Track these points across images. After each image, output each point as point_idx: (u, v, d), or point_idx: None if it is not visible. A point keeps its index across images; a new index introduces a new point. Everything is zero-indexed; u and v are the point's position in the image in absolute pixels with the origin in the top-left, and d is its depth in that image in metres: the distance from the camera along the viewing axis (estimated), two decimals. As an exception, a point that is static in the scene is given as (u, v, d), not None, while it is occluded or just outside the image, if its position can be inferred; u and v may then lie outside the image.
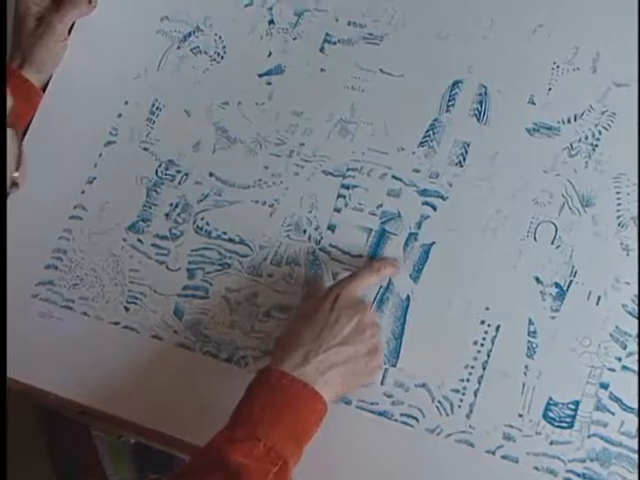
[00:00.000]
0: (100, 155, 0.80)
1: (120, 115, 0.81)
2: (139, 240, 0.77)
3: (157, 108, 0.80)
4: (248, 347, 0.72)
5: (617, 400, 0.66)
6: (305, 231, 0.74)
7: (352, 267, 0.72)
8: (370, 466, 0.67)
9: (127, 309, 0.76)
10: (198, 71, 0.81)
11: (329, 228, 0.74)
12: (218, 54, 0.81)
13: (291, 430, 0.61)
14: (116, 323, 0.75)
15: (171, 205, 0.77)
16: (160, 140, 0.79)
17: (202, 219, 0.76)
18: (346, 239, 0.73)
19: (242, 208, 0.76)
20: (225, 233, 0.76)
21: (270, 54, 0.80)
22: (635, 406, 0.66)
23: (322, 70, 0.78)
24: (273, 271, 0.74)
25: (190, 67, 0.81)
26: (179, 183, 0.78)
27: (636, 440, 0.65)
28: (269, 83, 0.79)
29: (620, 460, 0.65)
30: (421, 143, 0.74)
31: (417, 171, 0.74)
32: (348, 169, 0.75)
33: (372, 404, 0.69)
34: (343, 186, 0.75)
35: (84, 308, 0.76)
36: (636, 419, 0.65)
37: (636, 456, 0.65)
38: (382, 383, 0.69)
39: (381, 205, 0.73)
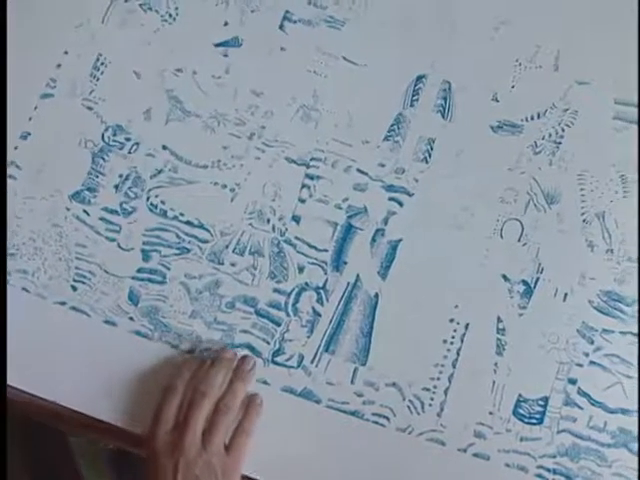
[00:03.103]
0: (36, 108, 0.76)
1: (59, 65, 0.76)
2: (85, 212, 0.73)
3: (102, 64, 0.76)
4: (211, 340, 0.70)
5: (585, 395, 0.67)
6: (269, 220, 0.72)
7: (318, 261, 0.71)
8: (341, 466, 0.67)
9: (74, 288, 0.72)
10: (148, 30, 0.77)
11: (294, 219, 0.72)
12: (170, 15, 0.78)
13: None
14: (62, 303, 0.72)
15: (121, 176, 0.74)
16: (106, 101, 0.75)
17: (156, 196, 0.73)
18: (311, 232, 0.72)
19: (200, 189, 0.73)
20: (182, 215, 0.73)
21: (226, 23, 0.77)
22: (603, 400, 0.67)
23: (282, 49, 0.76)
24: (236, 260, 0.72)
25: (138, 24, 0.77)
26: (129, 152, 0.74)
27: (605, 434, 0.66)
28: (226, 55, 0.76)
29: (589, 454, 0.66)
30: (386, 137, 0.74)
31: (382, 165, 0.73)
32: (312, 158, 0.73)
33: (343, 403, 0.68)
34: (307, 176, 0.73)
35: (24, 283, 0.72)
36: (604, 413, 0.66)
37: (605, 450, 0.66)
38: (352, 382, 0.68)
39: (347, 199, 0.72)
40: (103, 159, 0.74)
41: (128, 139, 0.75)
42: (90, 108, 0.76)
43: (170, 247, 0.72)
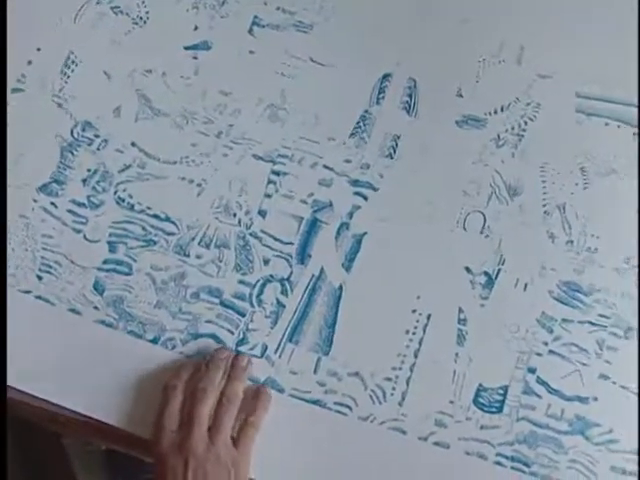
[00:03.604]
0: (7, 103, 0.77)
1: (30, 62, 0.78)
2: (53, 204, 0.74)
3: (72, 62, 0.78)
4: (175, 329, 0.71)
5: (544, 384, 0.68)
6: (235, 215, 0.74)
7: (283, 254, 0.72)
8: (303, 454, 0.68)
9: (40, 278, 0.73)
10: (119, 32, 0.79)
11: (260, 213, 0.73)
12: (141, 18, 0.79)
13: None
14: (27, 292, 0.73)
15: (89, 171, 0.75)
16: (76, 98, 0.77)
17: (124, 190, 0.74)
18: (277, 226, 0.73)
19: (168, 184, 0.74)
20: (150, 208, 0.74)
21: (196, 28, 0.78)
22: (560, 389, 0.68)
23: (251, 52, 0.78)
24: (202, 253, 0.73)
25: (110, 26, 0.79)
26: (97, 149, 0.75)
27: (562, 422, 0.67)
28: (195, 57, 0.77)
29: (546, 442, 0.67)
30: (352, 134, 0.75)
31: (348, 161, 0.74)
32: (279, 155, 0.75)
33: (305, 392, 0.69)
34: (273, 172, 0.74)
35: (-12, 271, 0.72)
36: (561, 401, 0.67)
37: (562, 437, 0.67)
38: (315, 372, 0.70)
39: (312, 194, 0.74)
40: (72, 153, 0.76)
41: (97, 135, 0.76)
42: (60, 105, 0.77)
43: (137, 239, 0.73)
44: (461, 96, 0.76)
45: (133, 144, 0.76)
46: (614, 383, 0.67)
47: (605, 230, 0.71)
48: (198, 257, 0.73)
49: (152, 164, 0.75)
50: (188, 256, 0.73)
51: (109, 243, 0.73)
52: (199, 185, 0.75)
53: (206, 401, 0.66)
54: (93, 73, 0.78)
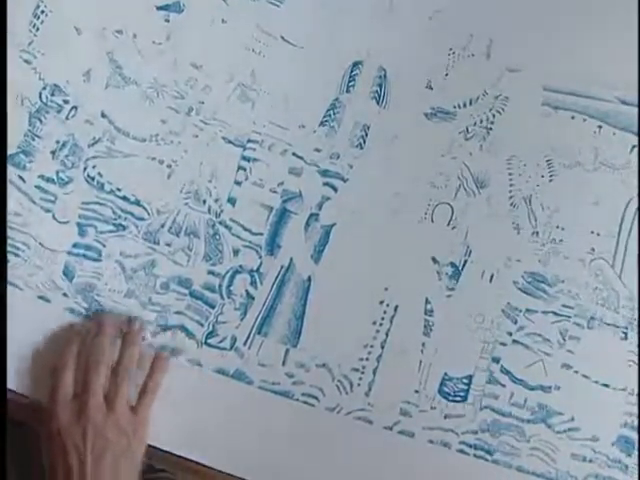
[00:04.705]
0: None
1: None
2: (20, 177, 0.73)
3: (42, 12, 0.75)
4: (145, 320, 0.72)
5: (508, 373, 0.69)
6: (205, 201, 0.73)
7: (253, 245, 0.73)
8: (272, 445, 0.69)
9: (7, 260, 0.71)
10: None
11: (229, 201, 0.73)
12: None
13: None
14: None
15: (58, 143, 0.73)
16: (45, 55, 0.74)
17: (94, 167, 0.73)
18: (247, 215, 0.73)
19: (138, 163, 0.73)
20: (119, 190, 0.73)
21: None
22: (524, 378, 0.69)
23: (223, 21, 0.76)
24: (171, 240, 0.73)
25: None
26: (67, 118, 0.74)
27: (525, 410, 0.68)
28: (167, 20, 0.75)
29: (509, 430, 0.68)
30: (322, 122, 0.75)
31: (318, 150, 0.74)
32: (249, 140, 0.74)
33: (274, 384, 0.70)
34: (244, 158, 0.74)
35: (-49, 252, 0.71)
36: (525, 390, 0.69)
37: (524, 425, 0.68)
38: (284, 364, 0.70)
39: (282, 183, 0.74)
40: (40, 120, 0.74)
41: (66, 101, 0.74)
42: (28, 62, 0.74)
43: (106, 223, 0.73)
44: (431, 88, 0.76)
45: (103, 115, 0.74)
46: (576, 372, 0.68)
47: (570, 222, 0.72)
48: (168, 245, 0.73)
49: (122, 140, 0.74)
50: (158, 243, 0.73)
51: (78, 225, 0.73)
52: (169, 167, 0.74)
53: (100, 371, 0.66)
54: (63, 27, 0.74)
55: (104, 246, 0.73)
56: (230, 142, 0.74)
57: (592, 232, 0.71)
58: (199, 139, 0.75)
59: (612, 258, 0.70)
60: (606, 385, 0.68)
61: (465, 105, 0.76)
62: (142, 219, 0.73)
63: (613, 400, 0.67)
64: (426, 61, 0.77)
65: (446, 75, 0.76)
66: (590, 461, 0.66)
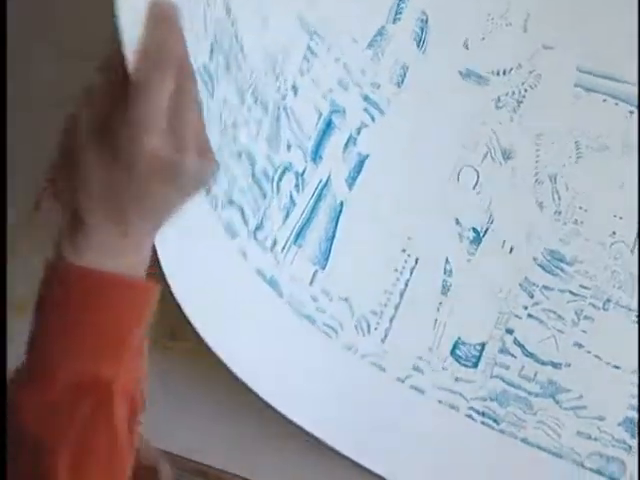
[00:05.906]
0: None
1: None
2: None
3: None
4: (220, 188, 0.60)
5: (520, 346, 0.68)
6: (278, 77, 0.65)
7: (302, 146, 0.67)
8: (290, 366, 0.65)
9: None
10: None
11: (293, 89, 0.67)
12: None
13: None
14: None
15: None
16: None
17: None
18: (303, 110, 0.67)
19: None
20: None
21: None
22: (536, 352, 0.68)
23: None
24: (251, 105, 0.63)
25: None
26: None
27: (534, 384, 0.68)
28: None
29: (517, 402, 0.67)
30: (370, 44, 0.71)
31: (363, 73, 0.71)
32: (315, 32, 0.67)
33: (300, 303, 0.67)
34: (309, 48, 0.67)
35: None
36: (535, 364, 0.68)
37: (532, 398, 0.67)
38: (311, 284, 0.67)
39: (331, 90, 0.69)
40: None
41: None
42: None
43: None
44: (467, 48, 0.74)
45: None
46: (588, 352, 0.68)
47: (593, 204, 0.72)
48: (249, 109, 0.63)
49: None
50: (243, 103, 0.62)
51: None
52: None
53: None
54: None
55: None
56: (301, 24, 0.65)
57: (615, 215, 0.71)
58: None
59: (632, 243, 0.71)
60: (617, 367, 0.68)
61: (499, 74, 0.74)
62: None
63: (622, 381, 0.68)
64: (465, 19, 0.75)
65: (483, 39, 0.75)
66: (595, 439, 0.66)
